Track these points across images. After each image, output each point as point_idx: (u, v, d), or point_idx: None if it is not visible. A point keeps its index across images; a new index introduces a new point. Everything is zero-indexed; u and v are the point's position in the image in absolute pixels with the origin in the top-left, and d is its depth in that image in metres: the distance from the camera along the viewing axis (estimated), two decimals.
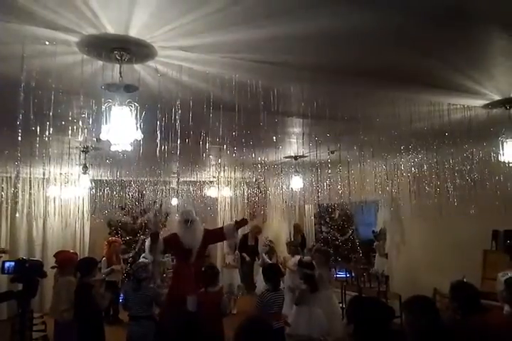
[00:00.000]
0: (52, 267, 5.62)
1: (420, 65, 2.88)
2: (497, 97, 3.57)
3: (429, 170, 5.46)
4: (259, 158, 6.12)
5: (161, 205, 9.58)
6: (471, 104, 3.78)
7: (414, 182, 5.66)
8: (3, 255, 7.28)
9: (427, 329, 2.58)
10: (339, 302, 6.26)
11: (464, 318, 2.93)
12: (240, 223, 6.23)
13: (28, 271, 2.17)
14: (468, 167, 5.04)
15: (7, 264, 2.29)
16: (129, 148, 2.64)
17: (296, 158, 6.65)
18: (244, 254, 8.90)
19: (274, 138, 4.62)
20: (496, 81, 3.22)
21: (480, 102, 3.72)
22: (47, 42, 2.35)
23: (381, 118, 4.03)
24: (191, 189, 9.73)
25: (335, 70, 2.93)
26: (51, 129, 3.20)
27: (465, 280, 4.35)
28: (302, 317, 5.00)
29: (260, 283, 7.34)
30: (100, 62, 2.62)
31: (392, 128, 4.43)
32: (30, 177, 7.91)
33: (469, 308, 2.95)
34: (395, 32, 2.35)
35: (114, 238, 8.30)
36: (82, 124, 3.33)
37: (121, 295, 6.42)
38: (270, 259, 7.97)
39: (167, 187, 9.50)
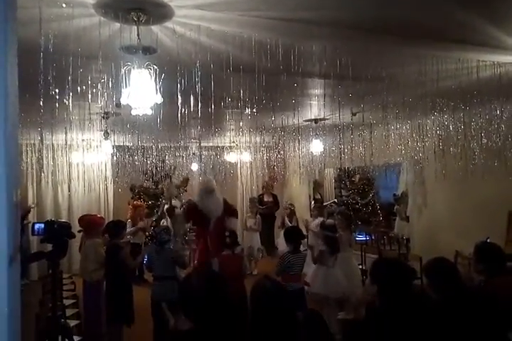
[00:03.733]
0: (79, 231, 5.79)
1: (449, 19, 2.73)
2: None
3: (455, 130, 5.30)
4: (279, 122, 6.05)
5: (170, 178, 9.68)
6: (502, 61, 3.60)
7: (439, 143, 5.52)
8: (31, 221, 7.55)
9: (448, 292, 2.58)
10: (359, 264, 6.34)
11: (489, 280, 2.92)
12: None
13: (57, 232, 2.24)
14: (496, 126, 4.87)
15: (37, 226, 2.37)
16: (150, 112, 2.62)
17: (316, 121, 6.56)
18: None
19: (294, 100, 4.51)
20: None
21: (511, 58, 3.54)
22: (64, 5, 2.30)
23: (406, 77, 3.88)
24: (211, 154, 9.76)
25: (357, 27, 2.80)
26: (71, 94, 3.20)
27: (489, 240, 4.33)
28: (320, 277, 5.10)
29: (281, 245, 7.48)
30: (117, 24, 2.56)
31: (417, 87, 4.28)
32: (53, 144, 8.05)
33: (494, 270, 2.92)
34: None
35: (138, 202, 8.48)
36: (102, 89, 3.30)
37: (145, 256, 6.63)
38: (290, 222, 8.05)
39: (187, 152, 9.56)
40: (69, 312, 5.60)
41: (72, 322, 4.67)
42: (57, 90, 3.13)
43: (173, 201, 8.75)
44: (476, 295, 2.64)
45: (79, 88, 3.31)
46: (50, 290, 2.65)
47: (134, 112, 2.63)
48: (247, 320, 2.54)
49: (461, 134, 5.11)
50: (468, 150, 5.16)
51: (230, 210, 6.27)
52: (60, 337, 2.15)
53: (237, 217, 6.84)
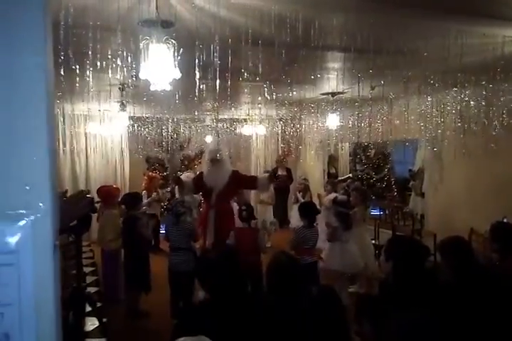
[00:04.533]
0: (97, 202, 5.91)
1: None
2: None
3: (476, 107, 5.18)
4: (295, 95, 5.96)
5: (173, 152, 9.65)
6: None
7: (459, 120, 5.41)
8: None
9: (462, 272, 2.61)
10: (372, 239, 6.39)
11: (504, 259, 2.94)
12: (272, 179, 6.02)
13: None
14: None
15: None
16: (168, 88, 2.61)
17: (333, 94, 6.45)
18: None
19: (312, 76, 4.42)
20: None
21: None
22: None
23: (428, 51, 3.77)
24: (226, 126, 9.73)
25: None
26: (89, 67, 3.19)
27: (505, 220, 4.31)
28: (335, 253, 5.15)
29: (294, 218, 7.55)
30: None
31: (439, 62, 4.16)
32: (70, 114, 8.10)
33: (509, 249, 2.94)
34: None
35: (153, 173, 8.58)
36: (120, 62, 3.28)
37: (162, 226, 6.76)
38: (303, 197, 8.08)
39: (202, 124, 9.56)
40: (88, 279, 5.81)
41: (92, 289, 4.84)
42: (75, 62, 3.15)
43: (187, 173, 8.82)
44: (489, 274, 2.66)
45: (98, 61, 3.30)
46: (73, 257, 2.73)
47: (152, 87, 2.62)
48: (262, 292, 2.61)
49: (483, 111, 4.99)
50: (489, 128, 5.06)
51: (246, 182, 5.94)
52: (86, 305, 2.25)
53: (259, 189, 6.33)
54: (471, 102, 5.25)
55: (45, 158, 0.75)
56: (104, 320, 3.93)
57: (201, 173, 5.96)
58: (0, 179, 0.73)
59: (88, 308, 2.85)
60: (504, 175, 5.59)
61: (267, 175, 6.15)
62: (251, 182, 5.90)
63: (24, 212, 0.69)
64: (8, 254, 0.67)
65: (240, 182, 5.83)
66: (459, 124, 5.33)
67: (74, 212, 1.83)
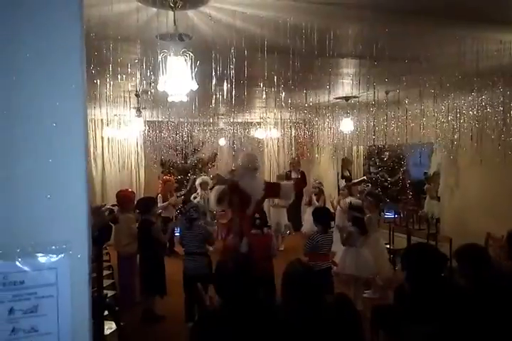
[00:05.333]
0: (113, 205, 5.99)
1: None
2: None
3: (492, 112, 5.13)
4: (310, 99, 5.98)
5: (195, 151, 9.72)
6: None
7: (475, 125, 5.36)
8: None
9: (478, 280, 2.60)
10: (386, 243, 6.36)
11: None
12: (299, 185, 5.68)
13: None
14: None
15: None
16: (185, 99, 2.65)
17: (347, 99, 6.45)
18: None
19: (328, 82, 4.44)
20: None
21: None
22: None
23: (445, 58, 3.76)
24: (239, 130, 9.78)
25: (396, 9, 2.72)
26: (109, 75, 3.26)
27: None
28: (350, 257, 5.15)
29: (307, 221, 7.54)
30: (154, 10, 2.56)
31: (455, 68, 4.15)
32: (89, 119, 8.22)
33: None
34: None
35: (167, 177, 8.65)
36: (139, 72, 3.34)
37: (177, 229, 6.80)
38: (318, 201, 8.07)
39: (215, 127, 9.61)
40: (105, 282, 5.87)
41: (109, 293, 4.91)
42: (95, 70, 3.21)
43: (202, 176, 8.89)
44: (506, 282, 2.64)
45: (118, 69, 3.37)
46: (94, 261, 2.77)
47: (170, 99, 2.66)
48: (275, 298, 2.64)
49: (500, 117, 4.94)
50: (507, 135, 4.99)
51: (270, 190, 5.41)
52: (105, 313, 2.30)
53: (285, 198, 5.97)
54: (488, 108, 5.20)
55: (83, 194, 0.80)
56: (122, 323, 4.00)
57: (234, 181, 5.32)
58: (45, 217, 0.77)
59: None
60: None
61: (291, 183, 5.86)
62: (275, 188, 5.55)
63: (64, 246, 0.73)
64: (49, 286, 0.71)
65: (269, 190, 5.42)
66: (475, 130, 5.28)
67: (96, 222, 1.87)
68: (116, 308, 4.17)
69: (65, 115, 0.84)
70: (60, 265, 0.72)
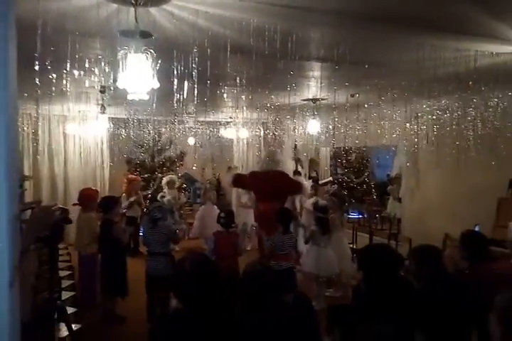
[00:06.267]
0: (74, 204, 5.86)
1: (448, 10, 2.71)
2: None
3: (450, 118, 5.32)
4: (276, 101, 6.03)
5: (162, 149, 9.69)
6: (500, 51, 3.59)
7: (433, 129, 5.54)
8: (27, 188, 7.55)
9: (429, 281, 2.68)
10: (350, 243, 6.48)
11: (472, 267, 3.03)
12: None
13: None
14: (492, 115, 4.89)
15: None
16: (146, 97, 2.62)
17: (314, 101, 6.53)
18: None
19: (292, 83, 4.48)
20: None
21: (510, 48, 3.53)
22: None
23: (404, 63, 3.87)
24: (207, 129, 9.74)
25: (358, 16, 2.78)
26: (68, 70, 3.18)
27: (477, 228, 4.43)
28: (312, 256, 5.22)
29: None
30: (115, 5, 2.52)
31: (414, 73, 4.27)
32: (49, 115, 8.00)
33: (477, 257, 3.03)
34: None
35: (133, 176, 8.50)
36: (99, 66, 3.27)
37: (141, 229, 6.71)
38: None
39: (183, 126, 9.52)
40: (64, 283, 5.73)
41: (68, 294, 4.79)
42: (54, 65, 3.13)
43: (170, 175, 8.81)
44: (455, 283, 2.74)
45: (76, 64, 3.29)
46: (47, 262, 2.70)
47: (130, 97, 2.63)
48: (238, 297, 2.64)
49: (456, 122, 5.13)
50: (462, 140, 5.18)
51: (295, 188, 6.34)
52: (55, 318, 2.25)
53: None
54: (446, 113, 5.38)
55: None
56: (79, 326, 3.91)
57: (254, 171, 6.53)
58: None
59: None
60: (476, 183, 5.74)
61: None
62: (296, 186, 6.41)
63: None
64: None
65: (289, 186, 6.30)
66: (433, 134, 5.46)
67: (45, 221, 1.81)
68: (71, 310, 4.07)
69: None
70: None
